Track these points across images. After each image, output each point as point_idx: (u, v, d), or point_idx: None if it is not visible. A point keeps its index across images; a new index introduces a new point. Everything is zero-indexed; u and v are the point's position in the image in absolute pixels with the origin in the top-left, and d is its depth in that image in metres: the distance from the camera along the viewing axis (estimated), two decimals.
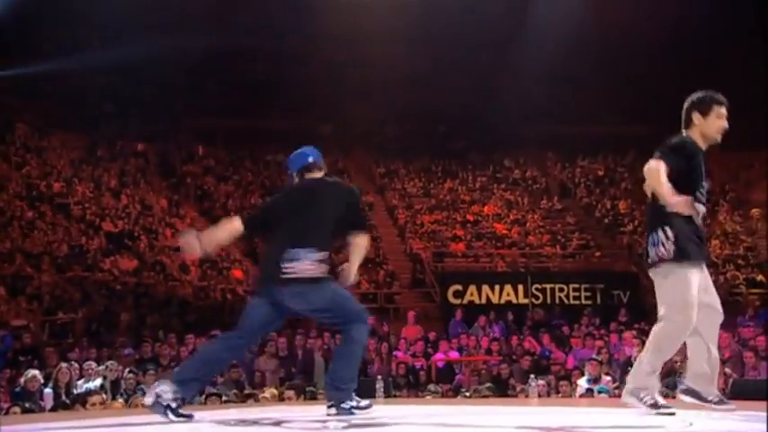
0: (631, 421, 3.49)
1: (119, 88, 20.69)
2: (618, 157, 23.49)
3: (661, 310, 4.09)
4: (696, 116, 4.23)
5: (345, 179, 22.59)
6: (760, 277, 17.65)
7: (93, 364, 9.00)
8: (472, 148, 22.85)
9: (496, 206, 21.28)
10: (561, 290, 15.86)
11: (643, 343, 9.29)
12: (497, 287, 15.77)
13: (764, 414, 3.94)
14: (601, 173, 23.16)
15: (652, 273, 4.16)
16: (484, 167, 23.13)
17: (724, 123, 4.29)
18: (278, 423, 3.90)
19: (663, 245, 4.02)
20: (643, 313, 14.52)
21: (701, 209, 4.22)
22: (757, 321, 11.12)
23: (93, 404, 5.99)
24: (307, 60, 21.34)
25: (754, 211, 20.31)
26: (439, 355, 11.24)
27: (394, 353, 11.28)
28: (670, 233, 4.02)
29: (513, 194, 22.08)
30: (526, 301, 15.67)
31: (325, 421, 3.98)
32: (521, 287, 15.90)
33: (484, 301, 15.72)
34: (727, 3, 18.08)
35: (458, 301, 15.57)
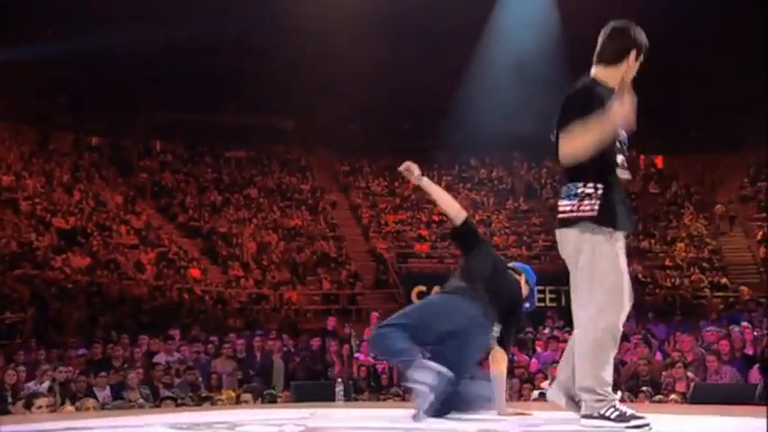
0: (596, 423, 3.50)
1: (73, 79, 20.36)
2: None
3: (585, 296, 3.32)
4: (633, 55, 3.51)
5: (308, 177, 22.54)
6: (724, 280, 17.99)
7: (44, 366, 8.84)
8: (438, 146, 22.92)
9: (462, 206, 21.40)
10: None
11: None
12: None
13: (720, 418, 4.01)
14: None
15: (563, 234, 3.41)
16: (450, 167, 23.23)
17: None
18: (233, 427, 3.85)
19: (587, 198, 3.28)
20: None
21: (624, 175, 3.38)
22: (720, 325, 11.32)
23: (39, 407, 5.86)
24: (269, 54, 21.19)
25: (717, 207, 20.72)
26: None
27: (356, 355, 11.27)
28: (599, 186, 3.27)
29: (479, 195, 22.21)
30: None
31: (281, 424, 3.95)
32: None
33: None
34: (697, 9, 18.36)
35: None
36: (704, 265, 18.65)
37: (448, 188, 22.41)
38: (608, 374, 3.26)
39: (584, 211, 3.28)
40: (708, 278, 18.04)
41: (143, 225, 18.05)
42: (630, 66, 3.48)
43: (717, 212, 20.59)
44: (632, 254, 19.17)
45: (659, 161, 23.45)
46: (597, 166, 3.28)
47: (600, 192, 3.27)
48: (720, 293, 17.33)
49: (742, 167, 21.86)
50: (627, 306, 3.31)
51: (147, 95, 21.43)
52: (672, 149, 22.71)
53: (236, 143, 22.31)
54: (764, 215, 19.54)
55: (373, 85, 21.77)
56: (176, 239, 18.16)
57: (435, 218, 20.69)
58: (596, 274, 3.28)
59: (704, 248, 19.45)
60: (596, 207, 3.25)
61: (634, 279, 17.70)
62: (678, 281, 17.90)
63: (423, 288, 16.15)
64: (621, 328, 3.32)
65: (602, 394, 3.23)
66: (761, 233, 19.17)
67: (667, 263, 18.79)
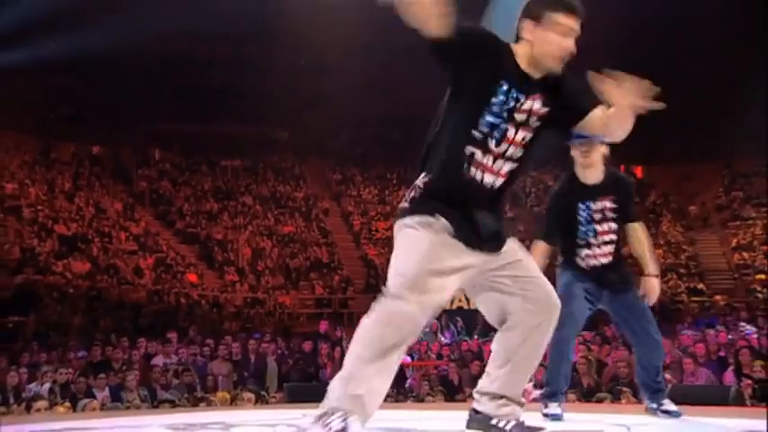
0: (592, 419, 3.52)
1: (74, 91, 20.29)
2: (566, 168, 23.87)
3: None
4: (527, 25, 2.68)
5: (301, 185, 22.53)
6: (701, 286, 18.07)
7: (45, 368, 8.79)
8: None
9: None
10: None
11: (589, 350, 9.42)
12: None
13: (695, 419, 4.03)
14: (550, 183, 23.50)
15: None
16: None
17: (567, 43, 2.65)
18: (227, 427, 3.84)
19: (413, 190, 2.78)
20: (592, 321, 14.76)
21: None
22: (696, 328, 11.37)
23: (38, 409, 5.82)
24: (263, 67, 21.20)
25: (692, 208, 20.87)
26: None
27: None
28: (430, 179, 2.74)
29: None
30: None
31: (275, 425, 3.94)
32: None
33: None
34: (677, 21, 18.43)
35: None
36: (681, 270, 18.73)
37: None
38: None
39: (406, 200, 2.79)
40: (685, 284, 18.12)
41: (142, 231, 18.00)
42: (536, 38, 2.68)
43: (691, 213, 20.86)
44: None
45: (639, 171, 23.56)
46: (435, 160, 2.77)
47: (425, 184, 2.75)
48: (697, 298, 17.40)
49: (717, 177, 22.00)
50: (426, 304, 2.73)
51: (147, 107, 21.39)
52: (651, 160, 22.82)
53: (231, 153, 22.29)
54: (738, 223, 19.65)
55: (364, 96, 21.79)
56: (174, 245, 18.11)
57: None
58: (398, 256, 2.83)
59: (681, 255, 19.54)
60: (415, 198, 2.76)
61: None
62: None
63: None
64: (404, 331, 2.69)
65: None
66: (735, 240, 19.27)
67: None
